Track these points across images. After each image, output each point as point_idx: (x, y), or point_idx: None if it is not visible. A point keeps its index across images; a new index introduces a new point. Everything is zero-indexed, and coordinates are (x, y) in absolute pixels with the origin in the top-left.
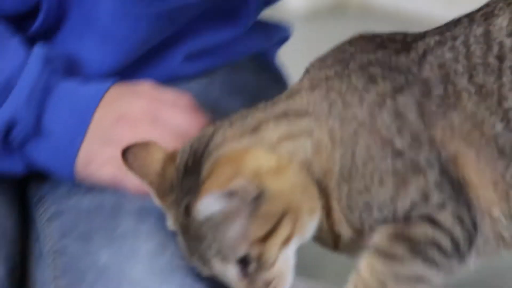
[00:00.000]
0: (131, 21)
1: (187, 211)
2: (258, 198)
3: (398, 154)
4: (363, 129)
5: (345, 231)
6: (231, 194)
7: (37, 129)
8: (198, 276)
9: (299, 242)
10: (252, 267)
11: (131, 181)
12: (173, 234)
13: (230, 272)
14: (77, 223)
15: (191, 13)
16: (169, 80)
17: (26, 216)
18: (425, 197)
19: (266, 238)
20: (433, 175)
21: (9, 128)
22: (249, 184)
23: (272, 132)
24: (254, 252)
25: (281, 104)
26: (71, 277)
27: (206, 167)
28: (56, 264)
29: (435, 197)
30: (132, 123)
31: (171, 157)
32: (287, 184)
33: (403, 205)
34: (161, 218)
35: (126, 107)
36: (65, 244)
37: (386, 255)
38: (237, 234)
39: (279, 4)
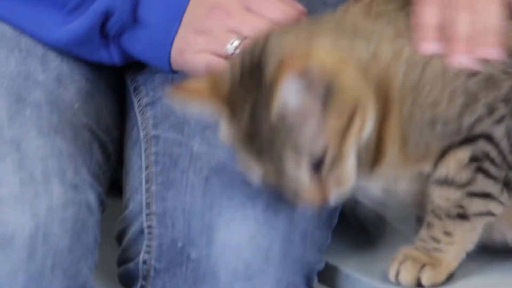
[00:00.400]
0: None
1: (253, 114)
2: (329, 89)
3: (473, 73)
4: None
5: (392, 146)
6: (306, 79)
7: (132, 19)
8: None
9: (358, 144)
10: (325, 164)
11: None
12: None
13: (302, 171)
14: (170, 113)
15: None
16: None
17: (125, 104)
18: (491, 110)
19: (340, 132)
20: (505, 87)
21: (106, 18)
22: (320, 72)
23: (331, 37)
24: (330, 146)
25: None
26: (164, 163)
27: (270, 68)
28: (150, 151)
29: (500, 110)
30: (226, 12)
31: (215, 79)
32: (351, 79)
33: (469, 120)
34: None
35: None
36: (158, 132)
37: (453, 182)
38: (314, 128)
39: None
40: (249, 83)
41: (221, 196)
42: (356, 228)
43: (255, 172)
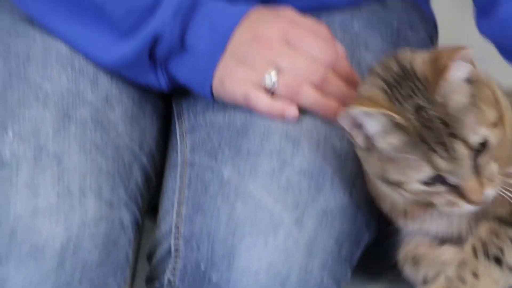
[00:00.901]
0: None
1: (419, 112)
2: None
3: None
4: None
5: None
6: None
7: (180, 45)
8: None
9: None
10: (483, 156)
11: (262, 101)
12: (293, 153)
13: (466, 161)
14: (207, 139)
15: None
16: (310, 9)
17: (169, 128)
18: None
19: (496, 124)
20: None
21: (155, 42)
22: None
23: None
24: (490, 135)
25: None
26: (195, 188)
27: (423, 67)
28: (185, 175)
29: None
30: (267, 44)
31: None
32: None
33: None
34: (284, 138)
35: (263, 29)
36: (194, 157)
37: (506, 223)
38: (476, 116)
39: None
40: (405, 87)
41: (245, 223)
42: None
43: (424, 170)
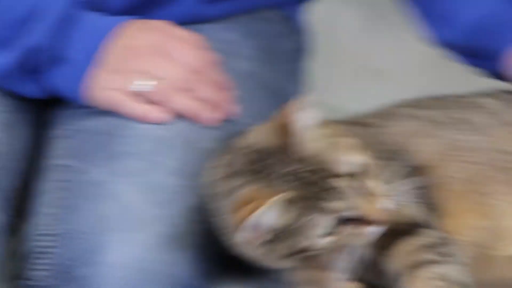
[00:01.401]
0: None
1: None
2: None
3: None
4: None
5: None
6: None
7: (58, 56)
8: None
9: None
10: (364, 175)
11: (134, 107)
12: (164, 155)
13: (348, 188)
14: (81, 143)
15: None
16: (185, 21)
17: (42, 135)
18: None
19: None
20: None
21: (33, 54)
22: None
23: None
24: (357, 158)
25: None
26: (66, 189)
27: (273, 140)
28: (54, 178)
29: None
30: (141, 54)
31: None
32: None
33: None
34: (155, 141)
35: (137, 39)
36: (67, 161)
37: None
38: (336, 149)
39: None
40: (268, 166)
41: (114, 221)
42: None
43: (323, 221)
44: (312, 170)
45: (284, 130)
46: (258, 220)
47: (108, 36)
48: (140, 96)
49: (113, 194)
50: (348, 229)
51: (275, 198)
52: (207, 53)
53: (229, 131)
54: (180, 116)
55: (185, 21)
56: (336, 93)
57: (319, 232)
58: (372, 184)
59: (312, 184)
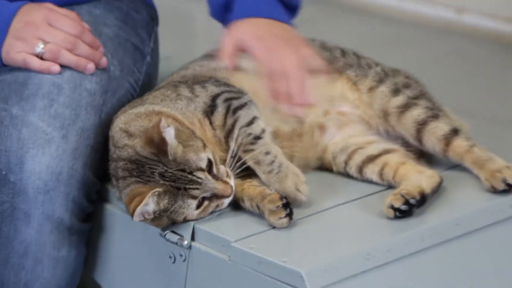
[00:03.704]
0: None
1: None
2: None
3: None
4: None
5: None
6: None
7: None
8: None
9: None
10: (213, 165)
11: (35, 63)
12: (58, 94)
13: (207, 177)
14: (1, 90)
15: None
16: (64, 4)
17: None
18: None
19: (205, 145)
20: None
21: None
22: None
23: None
24: (208, 155)
25: None
26: None
27: (146, 150)
28: None
29: None
30: (35, 26)
31: None
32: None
33: None
34: (53, 85)
35: (32, 15)
36: None
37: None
38: (193, 150)
39: None
40: (146, 170)
41: (29, 141)
42: None
43: (191, 203)
44: (180, 169)
45: (155, 142)
46: (143, 208)
47: (13, 15)
48: (39, 55)
49: (26, 123)
50: (212, 202)
51: (149, 193)
52: (81, 23)
53: (102, 75)
54: (68, 67)
55: (64, 4)
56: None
57: (192, 208)
58: (222, 170)
59: (181, 178)
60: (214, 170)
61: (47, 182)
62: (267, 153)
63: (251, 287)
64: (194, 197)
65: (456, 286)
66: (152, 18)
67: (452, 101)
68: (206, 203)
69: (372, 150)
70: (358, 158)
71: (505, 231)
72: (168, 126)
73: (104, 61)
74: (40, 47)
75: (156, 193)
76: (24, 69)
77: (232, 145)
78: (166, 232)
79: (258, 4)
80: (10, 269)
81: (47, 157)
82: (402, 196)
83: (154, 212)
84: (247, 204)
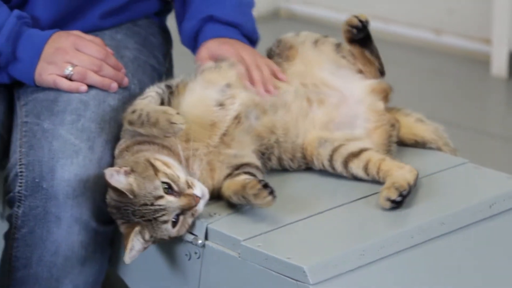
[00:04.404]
0: None
1: None
2: None
3: None
4: None
5: None
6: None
7: (13, 57)
8: (100, 135)
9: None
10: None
11: (65, 83)
12: (85, 110)
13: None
14: (34, 107)
15: None
16: (89, 31)
17: (13, 104)
18: None
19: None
20: None
21: None
22: None
23: None
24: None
25: None
26: (28, 136)
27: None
28: (22, 129)
29: None
30: (65, 51)
31: None
32: None
33: None
34: (79, 102)
35: (61, 42)
36: (27, 119)
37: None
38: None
39: None
40: (123, 211)
41: (59, 152)
42: None
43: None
44: (143, 203)
45: (115, 189)
46: (132, 245)
47: (44, 42)
48: (68, 77)
49: (57, 136)
50: (186, 215)
51: (132, 234)
52: (105, 48)
53: (124, 93)
54: (94, 87)
55: (89, 31)
56: None
57: (170, 230)
58: (179, 185)
59: (146, 212)
60: (175, 188)
61: (75, 188)
62: (133, 111)
63: (259, 282)
64: (165, 222)
65: (443, 280)
66: (167, 42)
67: (430, 111)
68: (181, 218)
69: (352, 147)
70: (342, 153)
71: (485, 229)
72: (116, 171)
73: (126, 80)
74: (69, 70)
75: (137, 230)
76: (54, 88)
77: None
78: None
79: (223, 30)
80: (43, 266)
81: (75, 166)
82: (396, 189)
83: (144, 248)
84: (234, 199)
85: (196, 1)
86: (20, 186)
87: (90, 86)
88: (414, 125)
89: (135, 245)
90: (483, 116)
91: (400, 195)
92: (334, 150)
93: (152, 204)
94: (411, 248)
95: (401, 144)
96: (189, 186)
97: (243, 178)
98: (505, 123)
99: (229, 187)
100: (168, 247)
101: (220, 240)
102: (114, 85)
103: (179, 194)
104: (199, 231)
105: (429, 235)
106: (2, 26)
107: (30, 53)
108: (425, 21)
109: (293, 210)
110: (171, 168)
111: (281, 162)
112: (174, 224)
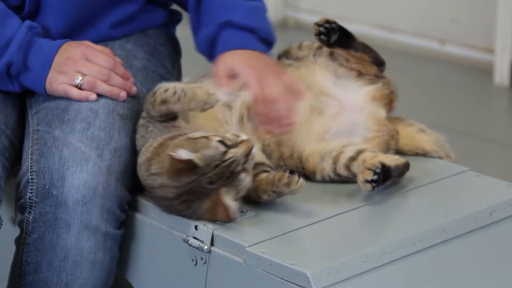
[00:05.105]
0: (67, 2)
1: None
2: None
3: None
4: None
5: None
6: None
7: (24, 66)
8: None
9: None
10: None
11: (75, 92)
12: (94, 118)
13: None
14: (45, 116)
15: None
16: (100, 41)
17: (25, 113)
18: None
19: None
20: None
21: (9, 66)
22: None
23: None
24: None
25: None
26: (39, 144)
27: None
28: (33, 137)
29: None
30: (75, 61)
31: None
32: None
33: None
34: (89, 111)
35: (71, 52)
36: (38, 127)
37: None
38: None
39: None
40: None
41: (69, 159)
42: None
43: None
44: (215, 165)
45: (181, 169)
46: (228, 205)
47: (55, 52)
48: (78, 86)
49: (67, 144)
50: (247, 162)
51: (223, 197)
52: (114, 58)
53: (133, 102)
54: (103, 96)
55: (99, 41)
56: None
57: (245, 179)
58: (230, 139)
59: (222, 172)
60: (228, 142)
61: (85, 195)
62: (166, 90)
63: (263, 287)
64: (240, 172)
65: (444, 286)
66: (176, 51)
67: (434, 119)
68: (246, 165)
69: (349, 152)
70: (342, 161)
71: (485, 237)
72: (179, 152)
73: (134, 89)
74: (79, 79)
75: (225, 191)
76: (65, 97)
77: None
78: (189, 238)
79: (241, 38)
80: (53, 271)
81: (85, 174)
82: (368, 169)
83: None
84: (265, 197)
85: (212, 8)
86: (31, 193)
87: (99, 95)
88: (415, 135)
89: (230, 204)
90: (486, 124)
91: (375, 173)
92: (335, 160)
93: (223, 161)
94: (413, 255)
95: (402, 154)
96: (237, 136)
97: (265, 175)
98: (507, 130)
99: (258, 187)
100: (175, 252)
101: (226, 246)
102: (123, 94)
103: (235, 145)
104: (205, 237)
105: (430, 241)
106: (14, 37)
107: (41, 62)
108: (430, 30)
109: (297, 216)
110: (212, 132)
111: (279, 162)
112: (246, 173)
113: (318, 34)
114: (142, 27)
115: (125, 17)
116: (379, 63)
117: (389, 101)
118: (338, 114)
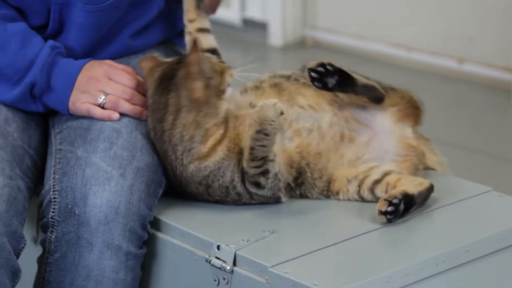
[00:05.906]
0: (91, 18)
1: None
2: None
3: None
4: None
5: None
6: None
7: (47, 87)
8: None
9: None
10: None
11: (97, 112)
12: (117, 138)
13: None
14: (68, 135)
15: (123, 7)
16: (121, 53)
17: (47, 132)
18: None
19: None
20: None
21: (32, 87)
22: None
23: None
24: None
25: None
26: (62, 163)
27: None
28: (56, 157)
29: None
30: (97, 80)
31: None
32: None
33: None
34: (112, 130)
35: (94, 71)
36: (61, 146)
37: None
38: None
39: (263, 40)
40: None
41: (92, 179)
42: None
43: None
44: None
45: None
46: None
47: (78, 72)
48: (101, 105)
49: (90, 164)
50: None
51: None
52: (136, 77)
53: None
54: (126, 115)
55: (121, 54)
56: None
57: None
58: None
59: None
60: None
61: (107, 214)
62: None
63: None
64: None
65: None
66: None
67: (453, 138)
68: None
69: (375, 175)
70: (367, 184)
71: (509, 257)
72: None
73: None
74: (101, 98)
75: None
76: (87, 117)
77: None
78: (211, 258)
79: None
80: None
81: (107, 193)
82: (385, 200)
83: None
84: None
85: None
86: (53, 212)
87: (122, 114)
88: (436, 166)
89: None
90: (506, 143)
91: (391, 204)
92: (360, 183)
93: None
94: (436, 275)
95: None
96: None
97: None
98: None
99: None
100: (197, 272)
101: (248, 266)
102: (146, 113)
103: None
104: (228, 257)
105: (454, 262)
106: (37, 57)
107: (64, 82)
108: (448, 49)
109: (320, 236)
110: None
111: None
112: None
113: (312, 81)
114: (162, 35)
115: (143, 25)
116: (378, 100)
117: (416, 118)
118: (370, 142)
